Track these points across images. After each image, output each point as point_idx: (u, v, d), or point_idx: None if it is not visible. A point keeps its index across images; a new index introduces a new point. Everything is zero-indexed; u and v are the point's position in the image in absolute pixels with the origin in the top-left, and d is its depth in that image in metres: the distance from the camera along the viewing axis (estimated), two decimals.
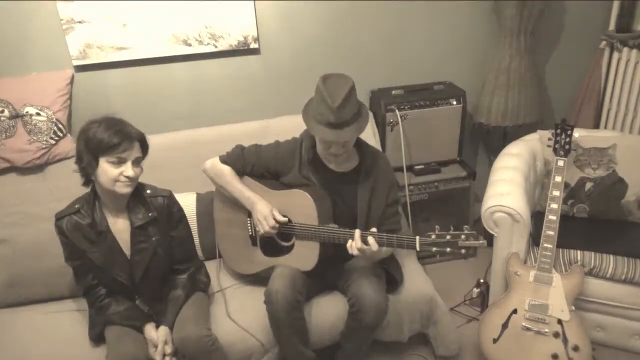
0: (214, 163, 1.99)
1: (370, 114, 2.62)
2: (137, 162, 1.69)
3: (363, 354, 1.98)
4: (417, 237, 1.65)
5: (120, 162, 1.64)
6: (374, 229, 1.75)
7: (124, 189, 1.67)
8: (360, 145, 1.93)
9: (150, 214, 1.78)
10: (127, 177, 1.64)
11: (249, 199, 1.92)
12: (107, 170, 1.63)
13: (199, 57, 2.46)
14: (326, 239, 1.83)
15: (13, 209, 2.17)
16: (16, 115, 2.22)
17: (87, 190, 1.76)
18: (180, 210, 1.90)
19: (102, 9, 2.25)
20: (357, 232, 1.72)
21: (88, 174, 1.68)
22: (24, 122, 2.23)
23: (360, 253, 1.71)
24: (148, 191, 1.81)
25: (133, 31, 2.32)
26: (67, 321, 1.95)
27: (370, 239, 1.70)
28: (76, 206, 1.75)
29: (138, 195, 1.77)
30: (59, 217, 1.74)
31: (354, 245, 1.71)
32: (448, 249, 1.62)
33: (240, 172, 1.98)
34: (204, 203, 2.22)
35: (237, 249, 2.10)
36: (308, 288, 1.91)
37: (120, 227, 1.77)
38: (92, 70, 2.37)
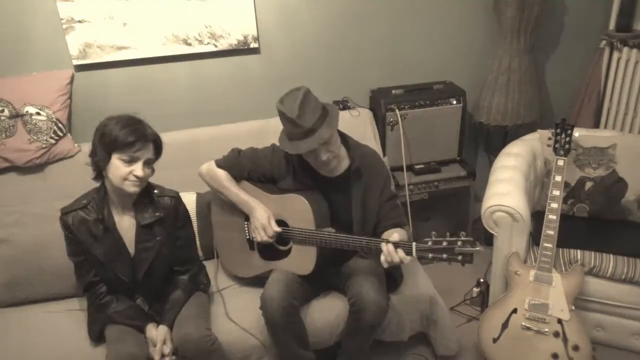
0: (209, 167, 1.98)
1: (370, 114, 2.62)
2: (148, 163, 1.69)
3: (364, 354, 1.98)
4: (414, 244, 1.64)
5: (132, 161, 1.64)
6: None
7: (132, 188, 1.67)
8: (348, 146, 1.91)
9: (157, 214, 1.78)
10: (136, 176, 1.65)
11: (247, 202, 1.92)
12: (118, 168, 1.64)
13: (199, 56, 2.46)
14: (324, 244, 1.82)
15: (13, 209, 2.17)
16: (16, 115, 2.22)
17: (96, 184, 1.76)
18: (186, 211, 1.91)
19: (102, 8, 2.25)
20: (391, 246, 1.65)
21: (99, 169, 1.69)
22: (24, 122, 2.23)
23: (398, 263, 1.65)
24: (156, 191, 1.81)
25: (133, 30, 2.32)
26: (68, 320, 1.95)
27: (400, 252, 1.64)
28: (83, 202, 1.75)
29: (146, 195, 1.77)
30: (65, 212, 1.74)
31: (395, 257, 1.63)
32: (444, 255, 1.61)
33: (237, 177, 1.98)
34: (204, 203, 2.22)
35: (235, 253, 2.10)
36: (305, 292, 1.91)
37: (125, 224, 1.77)
38: (92, 70, 2.37)
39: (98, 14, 2.26)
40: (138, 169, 1.65)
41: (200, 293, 1.94)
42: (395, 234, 1.70)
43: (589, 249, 2.09)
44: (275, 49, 2.54)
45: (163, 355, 1.70)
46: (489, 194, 2.15)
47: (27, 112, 2.23)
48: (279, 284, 1.82)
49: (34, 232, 2.08)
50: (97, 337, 1.80)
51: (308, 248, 1.87)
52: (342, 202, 1.91)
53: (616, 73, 2.69)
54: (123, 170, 1.64)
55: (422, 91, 2.65)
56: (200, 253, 2.22)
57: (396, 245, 1.66)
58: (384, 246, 1.66)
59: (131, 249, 1.78)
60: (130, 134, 1.62)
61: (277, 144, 1.97)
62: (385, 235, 1.78)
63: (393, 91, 2.64)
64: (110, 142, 1.62)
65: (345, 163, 1.89)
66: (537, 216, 2.17)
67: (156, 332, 1.75)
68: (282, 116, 1.74)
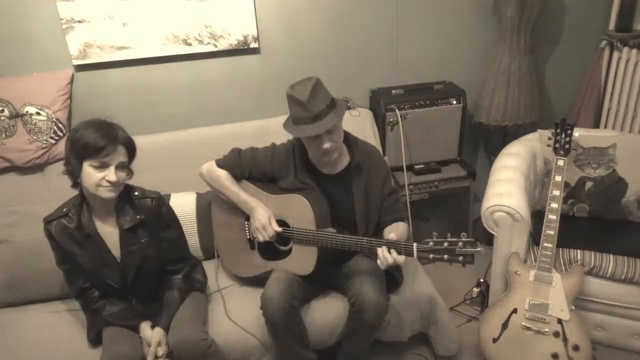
0: (210, 167, 1.98)
1: (370, 114, 2.62)
2: (121, 167, 1.65)
3: (364, 354, 1.98)
4: (415, 244, 1.64)
5: (103, 166, 1.61)
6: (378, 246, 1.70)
7: (107, 194, 1.64)
8: (349, 142, 1.93)
9: (138, 216, 1.75)
10: (109, 181, 1.62)
11: (247, 202, 1.92)
12: (90, 175, 1.61)
13: (199, 56, 2.46)
14: (324, 244, 1.83)
15: (13, 209, 2.17)
16: (16, 115, 2.22)
17: (76, 192, 1.74)
18: (170, 211, 1.89)
19: (102, 8, 2.25)
20: (385, 249, 1.67)
21: (75, 177, 1.66)
22: (24, 122, 2.23)
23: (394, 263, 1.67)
24: (136, 193, 1.78)
25: (133, 31, 2.32)
26: (66, 321, 1.95)
27: (394, 253, 1.67)
28: (64, 210, 1.73)
29: (126, 198, 1.75)
30: (48, 221, 1.72)
31: (389, 259, 1.66)
32: (446, 256, 1.61)
33: (238, 177, 1.98)
34: (204, 203, 2.22)
35: (235, 252, 2.10)
36: (305, 292, 1.91)
37: (109, 230, 1.75)
38: (92, 70, 2.37)
39: (98, 14, 2.26)
40: (110, 174, 1.61)
41: (197, 293, 1.92)
42: (392, 234, 1.71)
43: (589, 249, 2.09)
44: (275, 49, 2.54)
45: (157, 357, 1.70)
46: (489, 194, 2.15)
47: (27, 112, 2.23)
48: (280, 283, 1.82)
49: (34, 233, 2.06)
50: (95, 340, 1.80)
51: (308, 248, 1.87)
52: (343, 199, 1.92)
53: (616, 73, 2.69)
54: (95, 177, 1.61)
55: (422, 91, 2.65)
56: (200, 253, 2.22)
57: (389, 246, 1.67)
58: (378, 250, 1.67)
59: (117, 254, 1.76)
60: (98, 139, 1.59)
61: (277, 143, 1.99)
62: (384, 233, 1.79)
63: (393, 91, 2.64)
64: (80, 149, 1.59)
65: (345, 160, 1.92)
66: (537, 216, 2.17)
67: (151, 333, 1.74)
68: (292, 100, 1.76)
